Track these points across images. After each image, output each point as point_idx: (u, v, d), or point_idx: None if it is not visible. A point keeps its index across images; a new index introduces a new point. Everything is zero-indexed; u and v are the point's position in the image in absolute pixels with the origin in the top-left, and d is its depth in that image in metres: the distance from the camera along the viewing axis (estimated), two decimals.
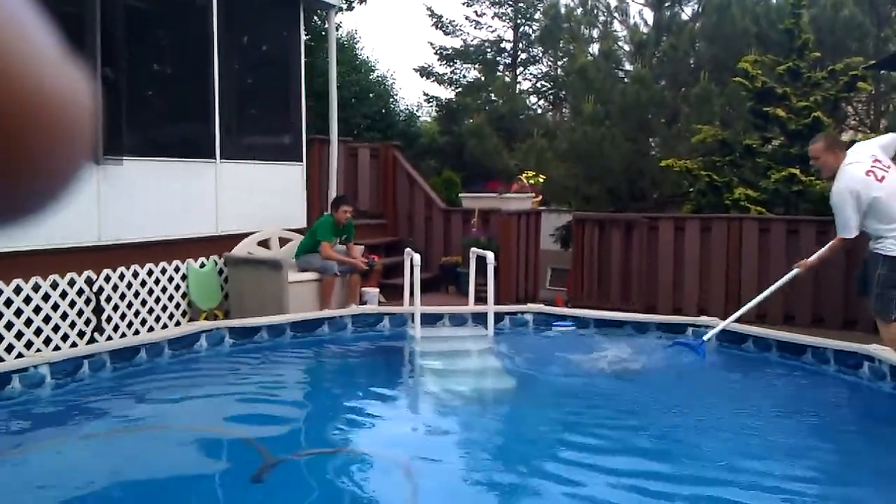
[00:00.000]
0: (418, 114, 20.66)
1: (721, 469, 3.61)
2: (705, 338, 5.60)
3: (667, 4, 12.03)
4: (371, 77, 18.62)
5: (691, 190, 10.04)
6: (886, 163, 5.10)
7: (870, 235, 5.13)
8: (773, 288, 5.77)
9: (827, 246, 5.48)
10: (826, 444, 4.13)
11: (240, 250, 7.27)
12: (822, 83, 9.09)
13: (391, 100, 19.21)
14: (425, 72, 21.01)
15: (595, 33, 12.38)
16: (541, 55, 19.77)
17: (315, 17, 12.51)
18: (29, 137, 0.42)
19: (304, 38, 8.57)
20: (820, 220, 7.67)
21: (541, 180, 10.19)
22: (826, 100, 9.00)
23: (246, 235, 7.42)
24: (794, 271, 5.62)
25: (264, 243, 7.60)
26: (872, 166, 5.04)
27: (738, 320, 5.83)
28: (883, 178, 5.01)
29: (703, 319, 6.11)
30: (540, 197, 10.75)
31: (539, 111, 18.70)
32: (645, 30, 12.01)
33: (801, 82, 9.13)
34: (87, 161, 0.47)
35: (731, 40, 10.52)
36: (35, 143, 0.42)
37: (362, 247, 7.93)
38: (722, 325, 5.76)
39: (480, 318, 6.42)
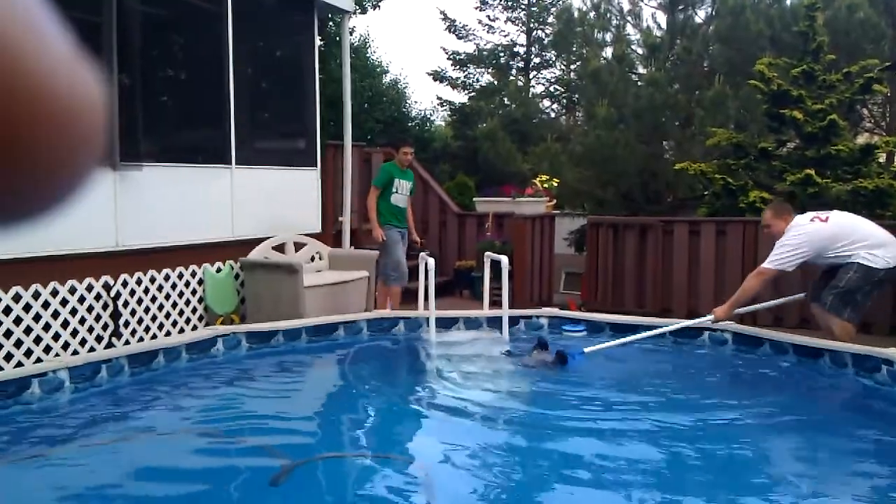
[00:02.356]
0: (432, 118, 20.70)
1: None
2: (587, 350, 5.57)
3: (680, 7, 12.00)
4: (384, 82, 18.68)
5: (706, 193, 10.01)
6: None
7: (835, 262, 5.56)
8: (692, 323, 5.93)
9: (742, 286, 5.66)
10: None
11: (256, 255, 7.30)
12: (838, 85, 9.05)
13: (404, 104, 19.26)
14: (438, 76, 21.07)
15: (608, 37, 12.35)
16: (554, 59, 19.78)
17: (329, 23, 12.56)
18: (38, 136, 0.42)
19: (318, 43, 8.60)
20: None
21: (555, 184, 10.19)
22: (841, 102, 8.96)
23: (261, 240, 7.46)
24: (710, 317, 5.76)
25: (280, 248, 7.63)
26: (814, 216, 5.67)
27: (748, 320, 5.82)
28: (827, 217, 5.62)
29: (719, 324, 6.08)
30: (554, 201, 10.75)
31: (552, 115, 18.70)
32: (658, 33, 11.99)
33: (816, 85, 9.09)
34: (98, 162, 0.47)
35: (746, 43, 10.48)
36: (45, 141, 0.42)
37: (376, 252, 7.95)
38: (611, 343, 5.72)
39: (495, 322, 6.42)
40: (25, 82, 0.40)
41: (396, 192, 7.57)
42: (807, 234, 5.52)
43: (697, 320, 5.95)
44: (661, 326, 6.17)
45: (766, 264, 5.63)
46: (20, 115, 0.40)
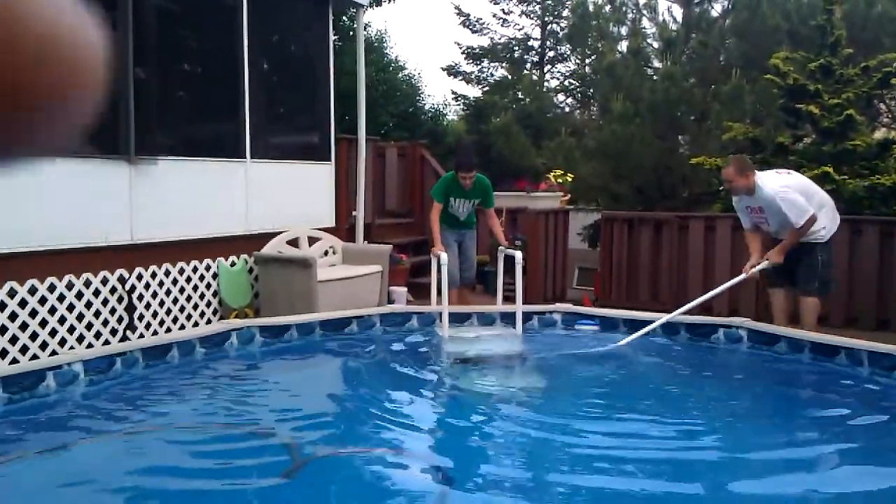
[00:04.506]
0: (445, 113, 20.67)
1: None
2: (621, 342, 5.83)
3: (696, 1, 11.93)
4: (398, 76, 18.66)
5: (721, 188, 9.95)
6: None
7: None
8: (724, 286, 6.26)
9: (790, 235, 5.85)
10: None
11: (269, 249, 7.32)
12: (855, 80, 8.97)
13: (418, 99, 19.24)
14: (452, 70, 21.04)
15: (623, 31, 12.29)
16: (569, 53, 19.72)
17: (343, 17, 12.56)
18: (37, 73, 0.43)
19: (332, 37, 8.60)
20: (853, 220, 7.58)
21: (569, 179, 10.16)
22: (859, 97, 8.88)
23: (275, 234, 7.48)
24: (761, 266, 6.00)
25: (293, 242, 7.64)
26: (777, 172, 6.16)
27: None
28: (789, 172, 6.18)
29: (735, 320, 6.05)
30: (568, 195, 10.72)
31: (567, 109, 18.62)
32: (674, 27, 11.92)
33: (834, 79, 9.01)
34: (96, 101, 0.48)
35: (762, 37, 10.40)
36: (43, 77, 0.44)
37: (390, 246, 7.95)
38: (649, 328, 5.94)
39: (508, 318, 6.41)
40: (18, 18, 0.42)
41: (451, 209, 7.20)
42: (796, 182, 5.98)
43: (757, 267, 6.05)
44: (675, 323, 6.16)
45: (799, 221, 5.77)
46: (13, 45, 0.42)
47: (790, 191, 5.83)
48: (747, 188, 5.91)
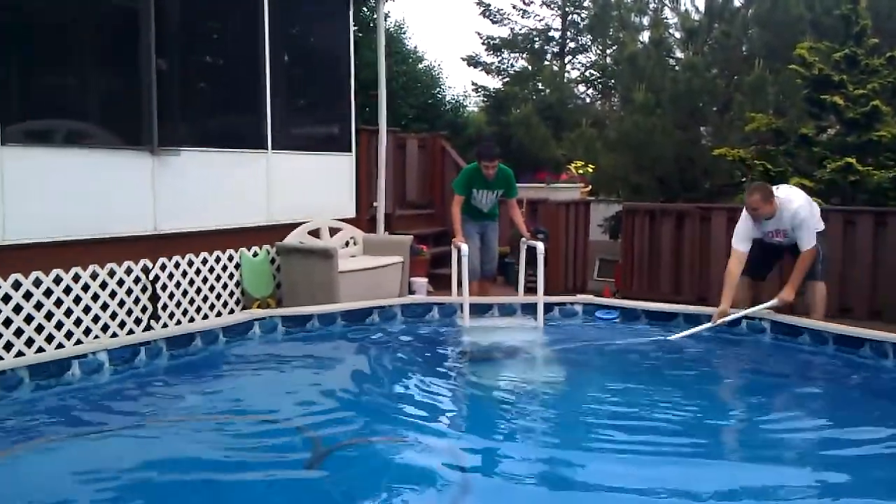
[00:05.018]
0: (465, 104, 20.63)
1: None
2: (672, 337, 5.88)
3: None
4: (418, 67, 18.64)
5: (744, 180, 9.87)
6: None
7: None
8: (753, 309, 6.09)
9: (800, 268, 5.91)
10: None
11: (291, 239, 7.35)
12: (881, 70, 8.87)
13: (438, 90, 19.21)
14: (473, 61, 20.98)
15: (645, 21, 12.20)
16: (589, 43, 19.61)
17: (363, 8, 12.56)
18: None
19: (353, 28, 8.60)
20: (878, 212, 7.50)
21: (590, 170, 10.12)
22: (884, 87, 8.77)
23: (297, 225, 7.51)
24: (770, 304, 6.02)
25: (315, 233, 7.67)
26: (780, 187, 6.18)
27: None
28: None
29: (756, 311, 6.02)
30: (589, 187, 10.68)
31: (587, 100, 18.53)
32: (696, 17, 11.80)
33: (859, 69, 8.91)
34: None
35: (785, 27, 10.28)
36: None
37: (410, 237, 7.96)
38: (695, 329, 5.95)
39: (529, 309, 6.41)
40: None
41: (474, 200, 7.17)
42: (808, 201, 6.07)
43: (764, 305, 6.05)
44: (698, 314, 6.14)
45: (809, 245, 5.88)
46: None
47: (803, 210, 5.89)
48: (771, 213, 5.91)
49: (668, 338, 5.85)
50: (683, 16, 11.84)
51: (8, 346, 5.33)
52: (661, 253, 8.41)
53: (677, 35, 12.05)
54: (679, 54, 11.87)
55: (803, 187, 8.21)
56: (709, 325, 5.94)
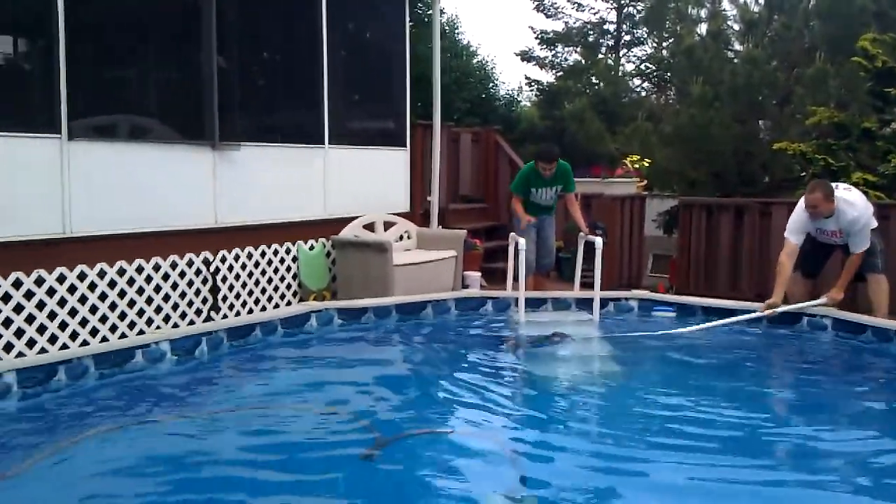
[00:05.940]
0: (518, 98, 20.57)
1: None
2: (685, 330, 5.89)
3: None
4: (471, 62, 18.65)
5: (804, 174, 9.67)
6: None
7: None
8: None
9: (850, 269, 5.95)
10: None
11: (347, 233, 7.44)
12: None
13: (491, 85, 19.21)
14: (526, 56, 20.91)
15: (703, 13, 12.00)
16: (645, 36, 19.38)
17: (418, 3, 12.60)
18: None
19: (408, 23, 8.64)
20: None
21: (645, 164, 10.00)
22: None
23: (352, 219, 7.59)
24: (820, 302, 6.01)
25: (370, 226, 7.74)
26: (838, 186, 6.11)
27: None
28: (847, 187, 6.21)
29: (805, 306, 5.93)
30: (645, 181, 10.57)
31: (643, 94, 18.31)
32: (756, 8, 11.56)
33: None
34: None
35: (848, 19, 10.02)
36: None
37: (464, 231, 7.98)
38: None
39: (584, 304, 6.38)
40: None
41: (534, 197, 7.28)
42: (865, 205, 5.98)
43: (813, 302, 6.05)
44: (756, 311, 6.05)
45: (861, 249, 5.89)
46: None
47: (860, 212, 5.84)
48: (830, 212, 5.86)
49: (703, 326, 5.90)
50: (742, 7, 11.61)
51: (74, 336, 5.49)
52: (719, 248, 8.28)
53: (736, 27, 11.83)
54: (738, 47, 11.65)
55: (866, 182, 8.07)
56: (753, 314, 5.91)
